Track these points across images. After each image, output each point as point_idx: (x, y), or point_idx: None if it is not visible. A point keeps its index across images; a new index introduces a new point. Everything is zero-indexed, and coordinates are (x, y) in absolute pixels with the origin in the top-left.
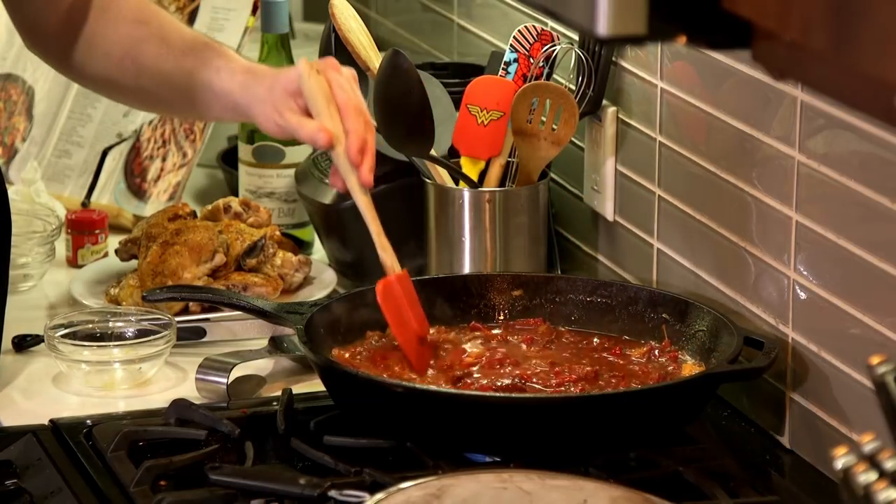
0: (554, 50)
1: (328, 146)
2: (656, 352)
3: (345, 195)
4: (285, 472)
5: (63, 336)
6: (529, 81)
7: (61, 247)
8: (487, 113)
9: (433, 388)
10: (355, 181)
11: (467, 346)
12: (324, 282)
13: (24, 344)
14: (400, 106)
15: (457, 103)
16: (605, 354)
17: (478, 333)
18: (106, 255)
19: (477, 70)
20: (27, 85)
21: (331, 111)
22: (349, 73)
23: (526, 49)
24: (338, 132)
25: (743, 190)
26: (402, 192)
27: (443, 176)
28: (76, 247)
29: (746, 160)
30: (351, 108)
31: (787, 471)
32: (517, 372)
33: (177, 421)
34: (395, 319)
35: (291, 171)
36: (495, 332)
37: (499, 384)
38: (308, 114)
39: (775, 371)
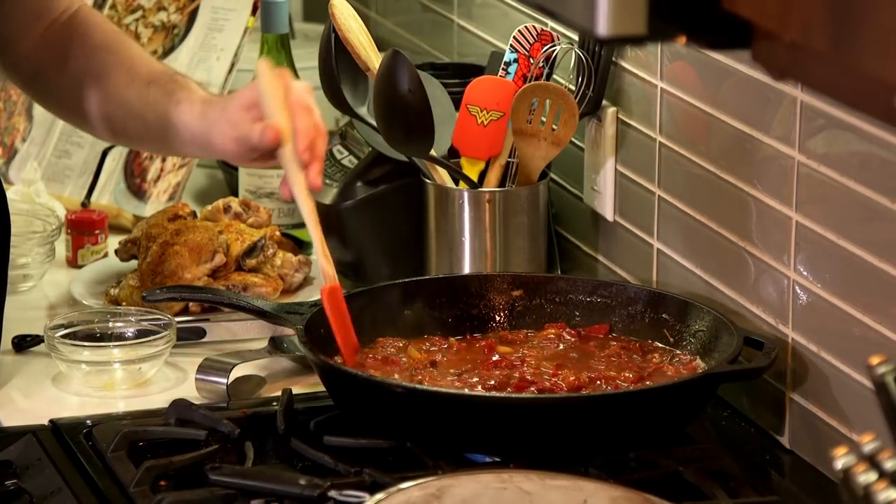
0: (554, 50)
1: (275, 142)
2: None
3: (345, 195)
4: (285, 472)
5: (63, 336)
6: (529, 82)
7: (61, 247)
8: (487, 113)
9: (433, 388)
10: (302, 182)
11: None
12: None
13: (23, 344)
14: (400, 106)
15: (457, 103)
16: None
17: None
18: (106, 255)
19: (477, 70)
20: None
21: (283, 111)
22: (306, 84)
23: (526, 49)
24: (287, 131)
25: (743, 190)
26: (402, 192)
27: (443, 176)
28: (76, 247)
29: (746, 160)
30: (301, 108)
31: (787, 471)
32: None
33: (177, 421)
34: (339, 325)
35: None
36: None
37: (490, 383)
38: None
39: (775, 371)
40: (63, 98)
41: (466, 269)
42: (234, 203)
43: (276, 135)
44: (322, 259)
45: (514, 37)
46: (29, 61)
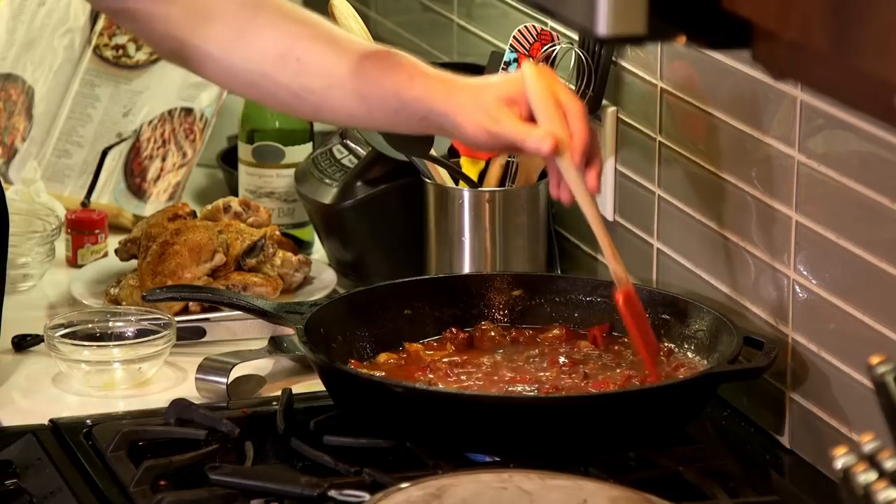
0: (554, 50)
1: (554, 153)
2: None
3: (345, 195)
4: (285, 472)
5: (63, 336)
6: None
7: (61, 247)
8: None
9: (433, 388)
10: (584, 188)
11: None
12: (324, 282)
13: (23, 344)
14: None
15: None
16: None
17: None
18: (106, 254)
19: (477, 70)
20: (27, 85)
21: (557, 116)
22: (567, 85)
23: (526, 49)
24: (564, 138)
25: (743, 190)
26: (402, 192)
27: (443, 176)
28: (76, 247)
29: (746, 160)
30: (574, 112)
31: (786, 471)
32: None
33: (177, 421)
34: (637, 329)
35: (291, 171)
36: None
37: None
38: (529, 121)
39: (775, 371)
40: (244, 69)
41: (466, 269)
42: (234, 203)
43: (555, 144)
44: (613, 263)
45: (514, 36)
46: (206, 39)
